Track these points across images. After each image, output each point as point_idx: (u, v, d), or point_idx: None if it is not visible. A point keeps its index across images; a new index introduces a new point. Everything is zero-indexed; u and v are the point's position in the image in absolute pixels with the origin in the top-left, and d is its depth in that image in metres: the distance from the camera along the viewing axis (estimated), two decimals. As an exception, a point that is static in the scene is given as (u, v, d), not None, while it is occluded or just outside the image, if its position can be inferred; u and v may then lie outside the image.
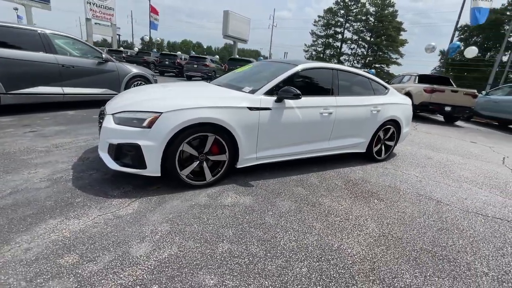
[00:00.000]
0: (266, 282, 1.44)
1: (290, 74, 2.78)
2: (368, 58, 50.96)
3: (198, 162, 2.35)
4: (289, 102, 2.66)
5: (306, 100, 2.74)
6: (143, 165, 2.15)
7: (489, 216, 2.46)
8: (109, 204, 2.02)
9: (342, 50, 53.09)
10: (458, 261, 1.78)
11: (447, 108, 7.96)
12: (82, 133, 3.63)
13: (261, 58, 32.74)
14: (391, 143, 3.78)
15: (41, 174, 2.37)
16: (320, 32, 53.36)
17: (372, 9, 48.42)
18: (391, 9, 47.32)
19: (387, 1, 46.64)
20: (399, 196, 2.71)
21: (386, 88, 3.68)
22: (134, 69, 5.77)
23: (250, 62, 13.19)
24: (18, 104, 4.25)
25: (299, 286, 1.43)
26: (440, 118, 9.61)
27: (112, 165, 2.18)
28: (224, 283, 1.40)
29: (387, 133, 3.68)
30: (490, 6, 13.15)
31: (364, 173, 3.25)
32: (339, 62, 52.13)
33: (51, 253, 1.48)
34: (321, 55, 54.72)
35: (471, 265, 1.75)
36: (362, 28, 50.18)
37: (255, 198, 2.34)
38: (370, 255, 1.74)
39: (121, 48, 24.14)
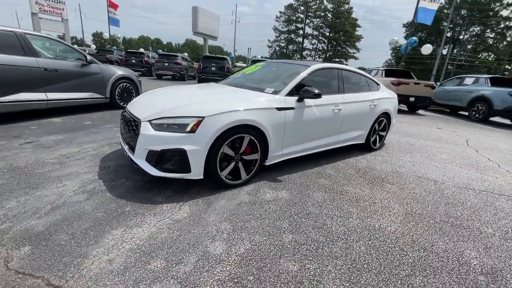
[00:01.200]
0: (338, 262, 1.65)
1: (306, 75, 2.99)
2: (328, 53, 53.54)
3: (234, 162, 2.46)
4: (308, 101, 2.87)
5: (321, 99, 2.97)
6: (187, 169, 2.19)
7: (476, 190, 2.97)
8: (161, 210, 2.05)
9: (304, 45, 54.97)
10: (471, 227, 2.18)
11: (411, 99, 8.91)
12: (85, 141, 3.45)
13: (232, 55, 32.55)
14: (383, 133, 4.23)
15: (71, 187, 2.28)
16: (282, 28, 54.57)
17: (329, 6, 50.79)
18: (346, 6, 50.12)
19: (343, -2, 49.25)
20: (404, 179, 3.11)
21: (378, 84, 4.09)
22: (119, 71, 5.50)
23: (224, 59, 13.16)
24: (-2, 113, 3.85)
25: (366, 261, 1.67)
26: (404, 107, 10.66)
27: (153, 171, 2.19)
28: (306, 267, 1.58)
29: (381, 125, 4.11)
30: (436, 8, 14.73)
31: (368, 161, 3.62)
32: (302, 57, 53.92)
33: (136, 261, 1.51)
34: (285, 50, 56.03)
35: (481, 229, 2.15)
36: (321, 24, 52.44)
37: (290, 192, 2.53)
38: (407, 230, 2.05)
39: (75, 46, 22.11)
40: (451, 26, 38.77)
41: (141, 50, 19.49)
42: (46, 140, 3.38)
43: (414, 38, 13.33)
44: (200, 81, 12.98)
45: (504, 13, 37.57)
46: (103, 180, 2.45)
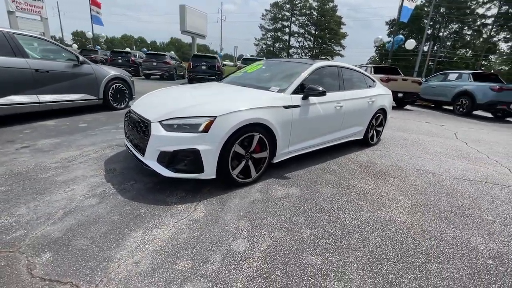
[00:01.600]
0: (358, 253, 1.71)
1: (309, 73, 3.04)
2: (315, 51, 54.14)
3: (244, 161, 2.47)
4: (312, 99, 2.92)
5: (324, 96, 3.03)
6: (200, 169, 2.19)
7: (472, 180, 3.13)
8: (177, 211, 2.04)
9: (291, 43, 55.29)
10: (473, 216, 2.30)
11: (400, 95, 9.18)
12: (84, 144, 3.36)
13: (221, 54, 32.33)
14: (380, 129, 4.36)
15: (80, 191, 2.23)
16: (269, 25, 54.62)
17: (314, 4, 51.28)
18: (331, 4, 50.77)
19: (327, -4, 49.85)
20: (404, 172, 3.23)
21: (374, 81, 4.21)
22: (112, 71, 5.36)
23: (214, 58, 13.07)
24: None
25: (383, 251, 1.74)
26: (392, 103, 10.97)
27: (165, 172, 2.18)
28: (328, 260, 1.63)
29: (378, 120, 4.23)
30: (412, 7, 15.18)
31: (367, 156, 3.73)
32: (289, 55, 54.23)
33: (162, 262, 1.51)
34: (271, 48, 56.15)
35: (482, 217, 2.28)
36: (307, 22, 52.87)
37: (300, 188, 2.58)
38: (415, 221, 2.14)
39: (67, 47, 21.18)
40: (431, 23, 40.12)
41: (127, 49, 18.98)
42: (43, 144, 3.27)
43: (401, 36, 13.77)
44: (191, 80, 12.82)
45: (480, 11, 39.30)
46: (112, 183, 2.40)
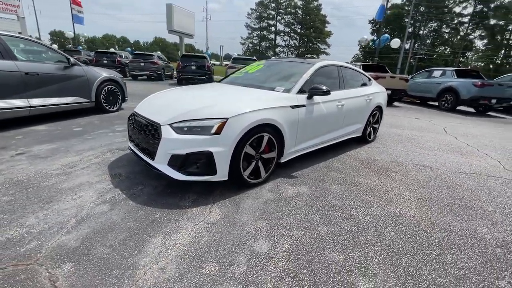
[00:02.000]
0: (376, 248, 1.76)
1: (312, 73, 3.07)
2: (301, 49, 54.63)
3: (254, 162, 2.48)
4: (316, 98, 2.96)
5: (326, 96, 3.08)
6: (213, 172, 2.18)
7: (467, 173, 3.28)
8: (192, 214, 2.02)
9: (277, 42, 55.51)
10: (475, 207, 2.41)
11: (388, 92, 9.39)
12: (83, 149, 3.25)
13: (209, 53, 32.02)
14: (376, 126, 4.48)
15: (88, 198, 2.16)
16: (255, 24, 54.59)
17: (299, 3, 51.71)
18: (315, 3, 51.36)
19: (312, -5, 50.38)
20: (404, 167, 3.34)
21: (370, 79, 4.32)
22: (104, 73, 5.20)
23: (204, 57, 12.93)
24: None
25: (399, 245, 1.80)
26: (380, 100, 11.27)
27: (177, 175, 2.15)
28: (350, 256, 1.67)
29: (374, 118, 4.34)
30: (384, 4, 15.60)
31: (367, 153, 3.82)
32: (275, 54, 54.43)
33: (189, 267, 1.50)
34: (258, 47, 56.17)
35: (483, 208, 2.40)
36: (292, 20, 53.23)
37: (309, 187, 2.61)
38: (424, 214, 2.23)
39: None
40: (411, 22, 41.40)
41: (112, 49, 18.42)
42: (39, 150, 3.14)
43: (387, 35, 14.17)
44: (180, 80, 12.64)
45: (457, 9, 41.00)
46: (120, 188, 2.35)
